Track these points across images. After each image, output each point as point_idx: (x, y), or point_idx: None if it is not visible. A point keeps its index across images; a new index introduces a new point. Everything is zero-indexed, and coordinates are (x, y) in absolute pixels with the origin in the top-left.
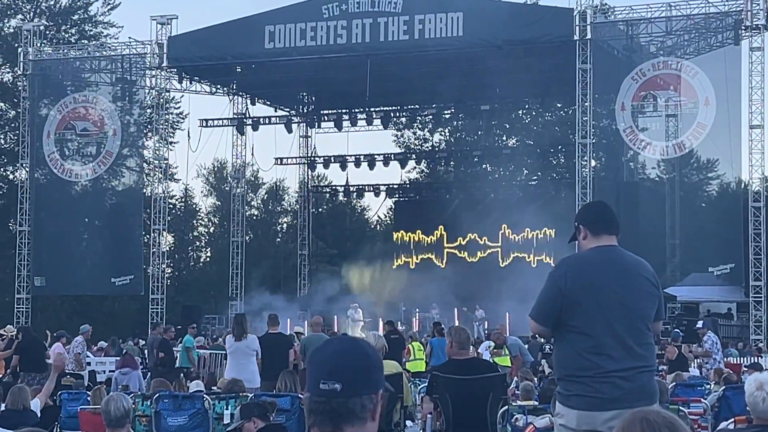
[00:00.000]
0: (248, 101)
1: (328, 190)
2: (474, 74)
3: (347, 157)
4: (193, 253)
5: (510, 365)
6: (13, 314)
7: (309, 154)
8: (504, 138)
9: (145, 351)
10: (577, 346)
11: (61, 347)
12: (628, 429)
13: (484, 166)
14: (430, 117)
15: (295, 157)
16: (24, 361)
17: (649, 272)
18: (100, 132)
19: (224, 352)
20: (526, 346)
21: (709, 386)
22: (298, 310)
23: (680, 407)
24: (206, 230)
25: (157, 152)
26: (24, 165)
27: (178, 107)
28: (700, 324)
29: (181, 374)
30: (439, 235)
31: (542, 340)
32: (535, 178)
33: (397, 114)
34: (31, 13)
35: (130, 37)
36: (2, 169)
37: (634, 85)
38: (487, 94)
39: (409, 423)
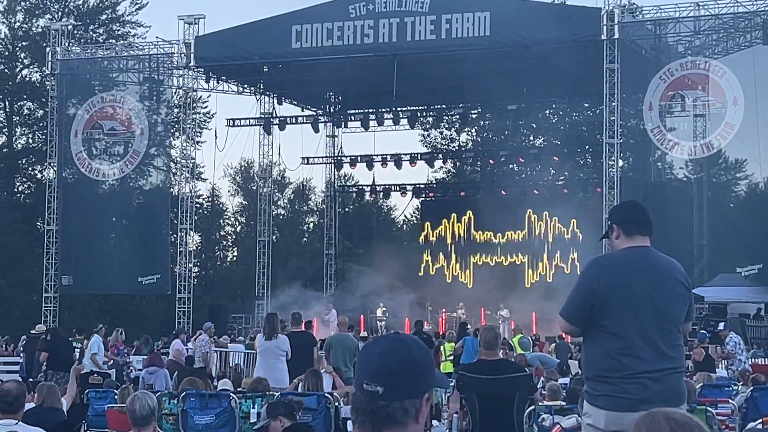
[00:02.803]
0: (275, 101)
1: (354, 189)
2: (501, 74)
3: (374, 157)
4: (219, 252)
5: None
6: (40, 313)
7: (336, 154)
8: (531, 138)
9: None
10: (607, 347)
11: (181, 344)
12: (653, 428)
13: (510, 165)
14: (457, 117)
15: (322, 157)
16: (52, 359)
17: (681, 273)
18: (128, 131)
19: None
20: (553, 346)
21: (736, 387)
22: (325, 310)
23: (708, 408)
24: (233, 230)
25: (185, 152)
26: (52, 164)
27: (205, 107)
28: (721, 326)
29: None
30: (465, 235)
31: (570, 339)
32: (562, 178)
33: (424, 114)
34: (59, 13)
35: (157, 37)
36: (30, 169)
37: (661, 84)
38: (514, 94)
39: (435, 422)
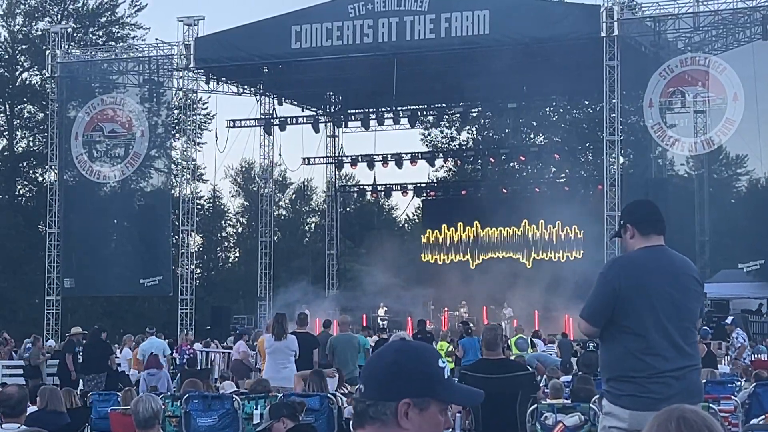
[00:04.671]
0: (275, 101)
1: (355, 189)
2: (501, 72)
3: (374, 156)
4: (221, 253)
5: None
6: (43, 316)
7: (336, 154)
8: (531, 136)
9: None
10: (630, 347)
11: (245, 345)
12: (662, 426)
13: (511, 163)
14: (458, 115)
15: (323, 157)
16: (86, 362)
17: (695, 271)
18: (128, 133)
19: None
20: (555, 344)
21: (739, 383)
22: (328, 310)
23: (710, 404)
24: (234, 231)
25: (185, 153)
26: (53, 167)
27: (206, 108)
28: (729, 320)
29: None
30: (466, 234)
31: (572, 337)
32: (563, 175)
33: (424, 112)
34: (59, 16)
35: (157, 39)
36: (31, 172)
37: (661, 81)
38: (514, 92)
39: None
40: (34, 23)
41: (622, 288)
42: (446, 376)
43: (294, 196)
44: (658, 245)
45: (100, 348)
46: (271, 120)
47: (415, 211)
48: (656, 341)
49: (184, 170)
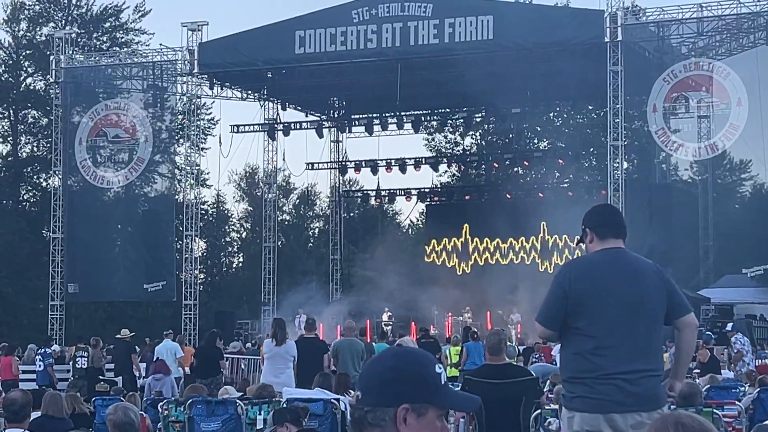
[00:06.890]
0: (279, 107)
1: (359, 194)
2: (504, 77)
3: (378, 162)
4: (225, 258)
5: None
6: (47, 321)
7: (340, 159)
8: (535, 141)
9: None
10: (581, 348)
11: None
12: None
13: (515, 169)
14: (461, 120)
15: (327, 162)
16: (200, 366)
17: (655, 270)
18: (132, 139)
19: (254, 357)
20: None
21: (743, 388)
22: (331, 315)
23: (714, 410)
24: (238, 236)
25: (189, 158)
26: (57, 172)
27: (210, 113)
28: (729, 327)
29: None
30: (470, 239)
31: None
32: (567, 180)
33: (428, 118)
34: (63, 21)
35: (161, 44)
36: (35, 177)
37: (665, 86)
38: (518, 97)
39: None
40: (38, 29)
41: (572, 290)
42: (443, 382)
43: (298, 201)
44: (615, 248)
45: (216, 353)
46: (275, 125)
47: (419, 216)
48: (607, 342)
49: (188, 175)
